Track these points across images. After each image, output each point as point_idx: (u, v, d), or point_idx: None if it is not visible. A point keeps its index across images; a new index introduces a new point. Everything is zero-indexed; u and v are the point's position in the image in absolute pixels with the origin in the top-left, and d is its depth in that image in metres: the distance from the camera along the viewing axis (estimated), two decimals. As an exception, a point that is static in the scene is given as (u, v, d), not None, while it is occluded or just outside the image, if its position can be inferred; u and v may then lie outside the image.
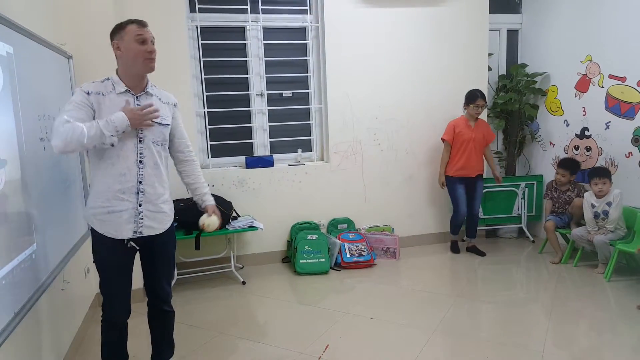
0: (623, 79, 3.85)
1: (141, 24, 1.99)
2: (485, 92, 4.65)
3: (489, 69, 4.78)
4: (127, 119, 1.89)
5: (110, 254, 2.05)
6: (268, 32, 4.29)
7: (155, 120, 2.03)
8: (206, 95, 4.16)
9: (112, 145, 1.90)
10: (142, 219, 2.04)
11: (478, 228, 4.55)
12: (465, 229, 4.52)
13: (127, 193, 2.00)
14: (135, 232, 2.04)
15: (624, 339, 2.77)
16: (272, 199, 4.28)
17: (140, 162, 2.02)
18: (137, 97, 2.04)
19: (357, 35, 4.33)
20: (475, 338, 2.84)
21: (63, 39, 2.88)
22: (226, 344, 2.85)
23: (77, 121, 1.83)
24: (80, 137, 1.80)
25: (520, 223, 4.86)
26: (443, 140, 4.35)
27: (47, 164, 2.29)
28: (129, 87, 2.02)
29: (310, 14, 4.33)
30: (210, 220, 2.24)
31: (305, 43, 4.39)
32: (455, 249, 4.55)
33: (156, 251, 2.18)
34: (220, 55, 4.19)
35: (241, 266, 4.21)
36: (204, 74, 4.14)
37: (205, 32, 4.12)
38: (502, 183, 4.50)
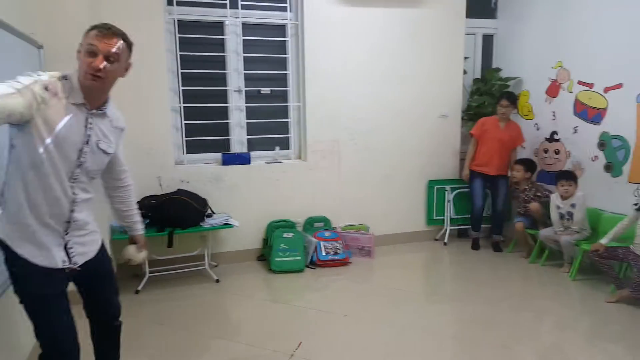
0: (591, 86, 3.99)
1: (103, 32, 1.64)
2: (460, 94, 4.76)
3: (465, 72, 4.87)
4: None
5: (41, 285, 1.71)
6: (247, 28, 4.26)
7: (101, 147, 1.78)
8: (182, 90, 4.11)
9: None
10: (71, 247, 1.78)
11: (450, 227, 4.67)
12: (492, 226, 4.72)
13: (54, 218, 1.71)
14: (64, 261, 1.75)
15: (586, 335, 2.90)
16: (249, 196, 4.27)
17: (73, 186, 1.73)
18: (90, 114, 1.72)
19: (337, 34, 4.35)
20: (444, 335, 2.91)
21: (34, 28, 2.79)
22: (198, 343, 2.83)
23: (16, 94, 1.51)
24: None
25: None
26: (471, 134, 4.58)
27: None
28: (86, 99, 1.69)
29: (290, 11, 4.33)
30: (137, 257, 2.10)
31: (285, 40, 4.39)
32: (474, 245, 4.67)
33: (97, 273, 1.93)
34: (198, 50, 4.14)
35: (215, 264, 4.18)
36: (181, 68, 4.09)
37: (183, 26, 4.06)
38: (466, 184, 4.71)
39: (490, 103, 4.78)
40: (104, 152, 1.81)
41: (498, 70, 4.96)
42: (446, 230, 4.85)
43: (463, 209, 4.83)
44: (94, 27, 1.65)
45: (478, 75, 5.15)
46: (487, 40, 5.17)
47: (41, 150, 1.61)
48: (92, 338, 2.10)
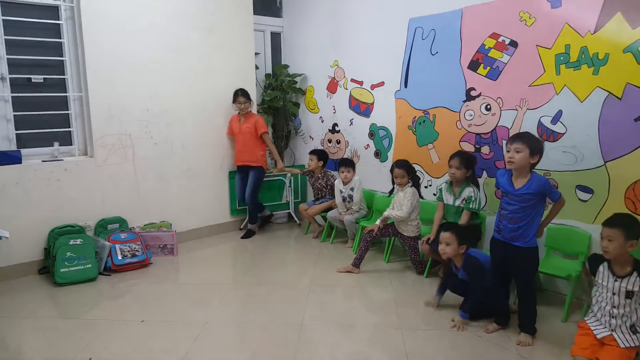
0: (361, 83, 4.63)
1: None
2: (254, 89, 4.97)
3: (257, 67, 5.10)
4: None
5: None
6: (8, 7, 3.65)
7: None
8: None
9: None
10: None
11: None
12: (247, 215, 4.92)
13: None
14: None
15: (367, 301, 3.39)
16: (22, 201, 3.71)
17: None
18: None
19: (121, 21, 4.05)
20: (243, 323, 3.04)
21: None
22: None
23: None
24: None
25: (289, 209, 5.39)
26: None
27: None
28: None
29: (62, -9, 3.86)
30: None
31: (59, 24, 3.90)
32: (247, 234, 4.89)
33: None
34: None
35: (-18, 284, 3.54)
36: None
37: None
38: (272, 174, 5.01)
39: (281, 97, 5.12)
40: None
41: (286, 66, 5.34)
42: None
43: (264, 197, 5.07)
44: None
45: (270, 70, 5.44)
46: (276, 37, 5.50)
47: None
48: None
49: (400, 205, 3.74)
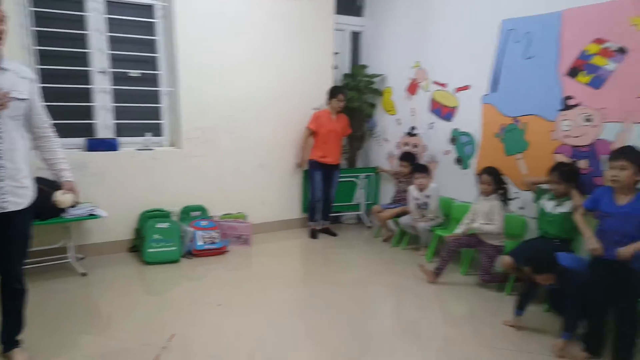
0: (444, 86, 4.50)
1: None
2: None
3: (335, 67, 5.14)
4: None
5: None
6: (112, 6, 3.98)
7: (12, 95, 2.03)
8: (40, 68, 3.70)
9: None
10: (4, 194, 2.07)
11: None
12: (321, 213, 4.90)
13: None
14: None
15: (439, 312, 3.28)
16: (118, 185, 4.02)
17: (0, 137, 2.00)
18: None
19: (210, 21, 4.27)
20: (313, 318, 3.07)
21: None
22: (61, 340, 2.64)
23: None
24: None
25: (360, 211, 5.39)
26: (308, 128, 4.71)
27: None
28: None
29: (157, -9, 4.14)
30: (63, 197, 2.29)
31: (153, 22, 4.18)
32: (313, 235, 4.87)
33: (13, 229, 2.18)
34: (56, 26, 3.75)
35: (82, 257, 3.88)
36: (37, 45, 3.67)
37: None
38: (344, 174, 5.00)
39: (357, 98, 5.12)
40: (17, 98, 2.08)
41: (365, 67, 5.32)
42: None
43: (337, 197, 5.06)
44: None
45: (348, 70, 5.46)
46: (356, 37, 5.51)
47: None
48: (1, 300, 2.31)
49: (487, 216, 3.60)
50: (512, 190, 3.84)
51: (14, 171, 2.10)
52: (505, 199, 3.65)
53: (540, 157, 3.59)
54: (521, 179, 3.77)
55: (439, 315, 3.22)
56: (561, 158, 3.46)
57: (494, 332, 2.94)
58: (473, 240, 3.71)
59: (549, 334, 2.84)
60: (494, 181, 3.61)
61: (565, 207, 3.20)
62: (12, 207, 2.11)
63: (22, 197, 2.17)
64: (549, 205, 3.32)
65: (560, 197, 3.25)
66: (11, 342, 2.38)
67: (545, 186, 3.40)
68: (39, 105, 2.27)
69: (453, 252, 3.71)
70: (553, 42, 3.48)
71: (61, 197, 2.28)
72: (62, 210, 3.44)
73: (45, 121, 2.31)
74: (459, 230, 3.71)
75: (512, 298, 3.45)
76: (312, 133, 4.72)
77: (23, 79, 2.15)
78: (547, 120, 3.57)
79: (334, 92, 4.63)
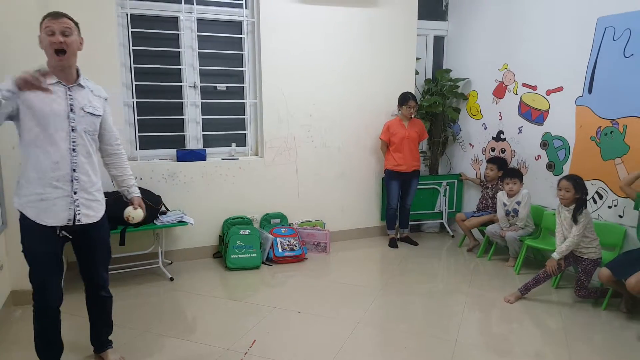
0: (534, 88, 4.21)
1: (55, 15, 2.04)
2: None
3: (417, 72, 5.01)
4: (14, 76, 1.81)
5: (39, 243, 2.09)
6: (202, 24, 4.21)
7: (87, 110, 2.13)
8: (136, 85, 4.02)
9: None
10: (78, 206, 2.12)
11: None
12: (399, 221, 4.78)
13: (61, 181, 2.07)
14: (70, 219, 2.10)
15: (530, 328, 3.05)
16: (204, 193, 4.23)
17: (74, 150, 2.09)
18: (69, 88, 2.10)
19: (293, 32, 4.37)
20: (395, 329, 2.99)
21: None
22: (151, 342, 2.80)
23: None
24: None
25: (442, 219, 5.17)
26: (380, 139, 4.63)
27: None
28: (59, 78, 2.07)
29: (246, 8, 4.31)
30: (135, 213, 2.35)
31: (241, 37, 4.36)
32: (392, 244, 4.75)
33: (92, 239, 2.25)
34: (152, 45, 4.06)
35: (170, 262, 4.13)
36: (134, 63, 3.99)
37: (136, 20, 3.97)
38: (425, 181, 4.82)
39: (440, 103, 4.95)
40: (92, 114, 2.17)
41: (448, 71, 5.14)
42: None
43: (415, 205, 4.93)
44: (44, 17, 2.04)
45: (429, 75, 5.31)
46: (438, 41, 5.34)
47: (34, 128, 2.01)
48: (87, 308, 2.45)
49: (565, 229, 3.34)
50: (611, 197, 3.48)
51: (87, 184, 2.15)
52: (579, 207, 3.27)
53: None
54: (621, 184, 3.41)
55: (529, 331, 2.98)
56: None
57: (591, 350, 2.69)
58: (571, 258, 3.40)
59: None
60: (573, 187, 3.27)
61: None
62: (85, 220, 2.15)
63: (95, 210, 2.21)
64: None
65: None
66: (103, 343, 2.53)
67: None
68: (111, 124, 2.35)
69: (550, 277, 3.43)
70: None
71: (133, 213, 2.33)
72: (155, 216, 3.68)
73: (116, 138, 2.38)
74: (557, 255, 3.35)
75: (609, 313, 3.16)
76: (386, 143, 4.63)
77: (98, 97, 2.23)
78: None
79: (403, 99, 4.50)
